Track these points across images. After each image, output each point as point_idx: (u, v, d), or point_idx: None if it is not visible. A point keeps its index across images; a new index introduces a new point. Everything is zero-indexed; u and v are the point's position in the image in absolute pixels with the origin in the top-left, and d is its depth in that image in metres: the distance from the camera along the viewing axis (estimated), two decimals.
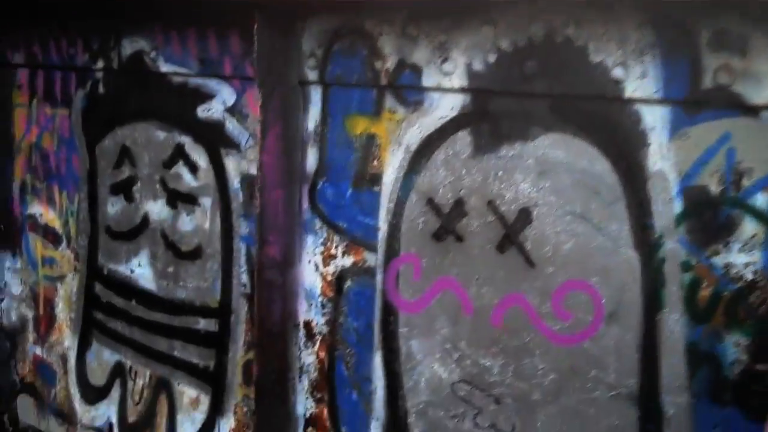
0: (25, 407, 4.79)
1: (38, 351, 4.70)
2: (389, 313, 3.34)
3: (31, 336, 4.74)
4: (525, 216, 2.97)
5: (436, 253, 3.19)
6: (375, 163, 3.33)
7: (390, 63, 3.24)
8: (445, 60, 3.11)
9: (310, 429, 3.61)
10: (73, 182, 4.45)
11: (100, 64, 4.25)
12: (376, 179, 3.33)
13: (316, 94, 3.47)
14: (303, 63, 3.47)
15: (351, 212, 3.41)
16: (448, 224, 3.15)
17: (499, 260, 3.04)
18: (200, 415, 3.99)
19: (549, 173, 2.92)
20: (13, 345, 4.83)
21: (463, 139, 3.10)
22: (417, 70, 3.18)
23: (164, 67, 3.98)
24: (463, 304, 3.14)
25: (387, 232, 3.32)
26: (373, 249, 3.37)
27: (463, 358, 3.16)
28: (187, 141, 3.94)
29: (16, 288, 4.79)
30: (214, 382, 3.94)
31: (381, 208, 3.33)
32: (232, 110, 3.76)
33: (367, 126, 3.34)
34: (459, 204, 3.12)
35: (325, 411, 3.56)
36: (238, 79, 3.73)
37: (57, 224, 4.54)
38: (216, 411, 3.93)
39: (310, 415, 3.60)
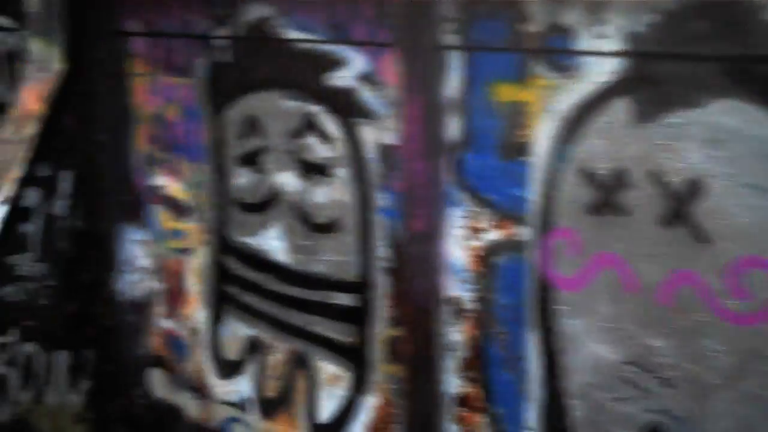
0: (157, 381, 4.75)
1: (169, 324, 4.65)
2: (544, 289, 3.17)
3: (160, 309, 4.69)
4: (695, 188, 2.76)
5: (594, 227, 3.01)
6: (523, 132, 3.14)
7: (538, 26, 3.04)
8: (600, 21, 2.89)
9: (460, 408, 3.48)
10: (199, 153, 4.34)
11: (224, 31, 4.11)
12: (525, 149, 3.14)
13: (456, 60, 3.28)
14: (443, 27, 3.28)
15: (498, 184, 3.24)
16: (607, 197, 2.96)
17: (665, 235, 2.84)
18: (341, 392, 3.89)
19: (721, 142, 2.70)
20: (141, 318, 4.79)
21: (622, 107, 2.89)
22: (568, 33, 2.97)
23: (291, 34, 3.82)
24: (626, 281, 2.96)
25: (540, 204, 3.14)
26: (523, 222, 3.19)
27: (628, 338, 2.98)
28: (317, 110, 3.79)
29: (142, 261, 4.73)
30: (354, 358, 3.83)
31: (532, 180, 3.14)
32: (365, 78, 3.60)
33: (513, 93, 3.15)
34: (619, 175, 2.92)
35: (477, 391, 3.42)
36: (372, 45, 3.56)
37: (183, 196, 4.45)
38: (357, 388, 3.83)
39: (461, 394, 3.47)
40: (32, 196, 4.59)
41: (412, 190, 3.42)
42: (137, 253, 4.74)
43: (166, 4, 4.34)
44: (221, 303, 4.36)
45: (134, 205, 4.70)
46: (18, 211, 4.53)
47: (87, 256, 4.81)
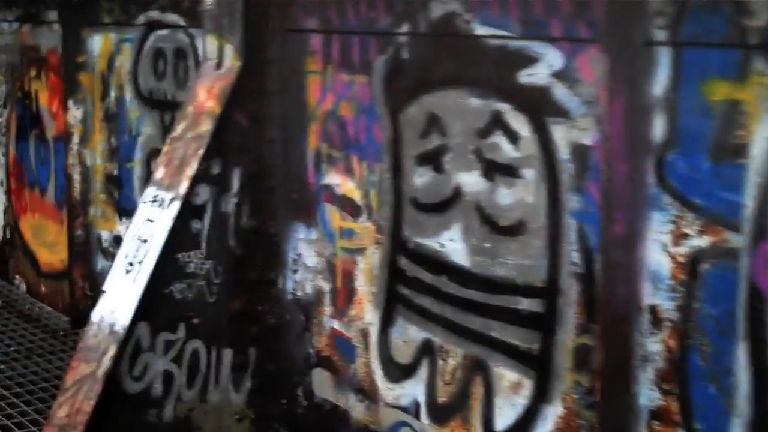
0: (321, 381, 4.70)
1: (336, 324, 4.59)
2: (757, 299, 2.99)
3: (327, 309, 4.63)
4: None
5: None
6: (740, 132, 2.96)
7: (762, 20, 2.86)
8: None
9: (655, 422, 3.31)
10: (373, 152, 4.27)
11: (404, 27, 4.04)
12: (742, 150, 2.96)
13: (664, 56, 3.13)
14: (650, 22, 3.13)
15: (709, 187, 3.07)
16: None
17: None
18: (522, 400, 3.76)
19: None
20: (307, 317, 4.74)
21: None
22: None
23: (480, 30, 3.72)
24: None
25: (756, 210, 2.96)
26: (737, 229, 3.01)
27: None
28: (506, 108, 3.68)
29: (311, 260, 4.68)
30: (538, 365, 3.69)
31: (748, 183, 2.96)
32: (560, 75, 3.47)
33: (730, 91, 2.98)
34: None
35: (675, 404, 3.25)
36: (568, 41, 3.43)
37: (356, 195, 4.38)
38: (541, 397, 3.69)
39: (656, 407, 3.31)
40: (204, 193, 4.58)
41: (611, 193, 3.28)
42: (306, 252, 4.70)
43: (344, 1, 4.28)
44: (393, 304, 4.28)
45: (304, 203, 4.66)
46: (190, 208, 4.53)
47: (254, 254, 4.78)
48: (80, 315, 6.38)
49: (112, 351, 4.29)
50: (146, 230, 4.52)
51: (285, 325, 4.83)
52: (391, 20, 4.08)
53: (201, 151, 4.49)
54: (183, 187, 4.47)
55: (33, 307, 6.98)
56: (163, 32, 5.52)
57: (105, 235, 6.24)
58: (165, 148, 4.67)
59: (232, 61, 4.60)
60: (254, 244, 4.79)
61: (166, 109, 5.57)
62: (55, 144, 6.80)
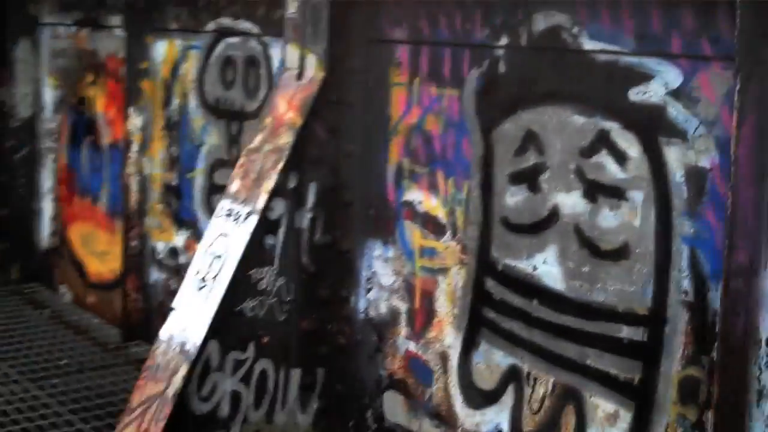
0: (393, 405, 4.53)
1: (412, 347, 4.42)
2: None
3: (403, 330, 4.47)
4: None
5: None
6: None
7: None
8: None
9: None
10: (461, 168, 4.12)
11: (503, 40, 3.89)
12: None
13: None
14: None
15: None
16: None
17: None
18: None
19: None
20: (380, 338, 4.58)
21: None
22: None
23: (588, 44, 3.58)
24: None
25: None
26: None
27: None
28: (613, 127, 3.53)
29: (387, 278, 4.52)
30: (638, 396, 3.52)
31: None
32: (676, 93, 3.32)
33: None
34: None
35: None
36: (688, 58, 3.28)
37: (440, 213, 4.23)
38: (640, 429, 3.52)
39: None
40: (279, 208, 4.44)
41: (735, 219, 3.11)
42: (381, 270, 4.54)
43: (436, 12, 4.14)
44: (477, 328, 4.12)
45: (382, 219, 4.51)
46: (266, 223, 4.39)
47: (327, 272, 4.63)
48: (133, 328, 6.25)
49: (183, 370, 4.14)
50: (220, 245, 4.38)
51: (356, 345, 4.67)
52: (488, 32, 3.94)
53: (280, 165, 4.36)
54: (261, 201, 4.33)
55: (81, 317, 6.83)
56: (234, 40, 5.39)
57: (160, 246, 6.10)
58: (241, 160, 4.53)
59: (315, 71, 4.46)
60: (327, 261, 4.64)
61: (233, 118, 5.44)
62: (110, 151, 6.67)
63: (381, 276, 4.55)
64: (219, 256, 4.35)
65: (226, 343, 4.34)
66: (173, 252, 5.98)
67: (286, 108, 4.48)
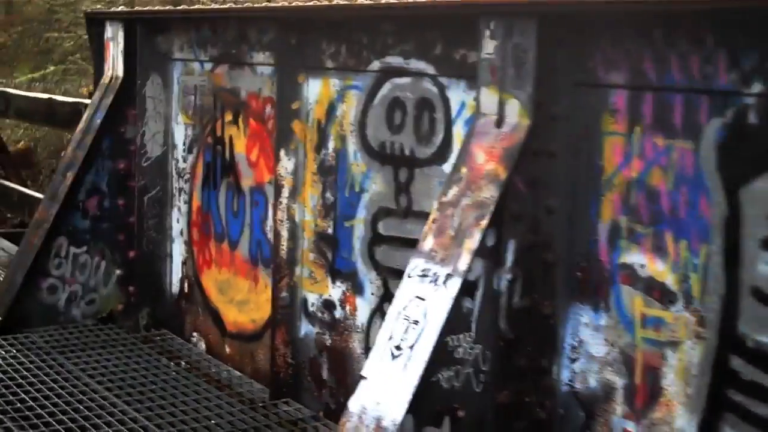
0: None
1: (630, 427, 3.94)
2: None
3: (618, 408, 3.98)
4: None
5: None
6: None
7: None
8: None
9: None
10: (697, 230, 3.64)
11: (755, 87, 3.40)
12: None
13: None
14: None
15: None
16: None
17: None
18: None
19: None
20: (588, 414, 4.10)
21: None
22: None
23: None
24: None
25: None
26: None
27: None
28: None
29: (597, 348, 4.05)
30: None
31: None
32: None
33: None
34: None
35: None
36: None
37: (669, 279, 3.75)
38: None
39: None
40: (476, 268, 4.00)
41: None
42: (590, 339, 4.07)
43: (668, 55, 3.67)
44: (718, 411, 3.62)
45: (592, 282, 4.04)
46: (465, 285, 3.95)
47: (525, 338, 4.18)
48: (281, 384, 5.85)
49: None
50: (416, 309, 3.96)
51: (558, 420, 4.21)
52: (735, 77, 3.46)
53: (484, 222, 3.92)
54: (462, 262, 3.90)
55: (220, 370, 6.45)
56: (403, 80, 4.96)
57: (312, 298, 5.69)
58: (433, 215, 4.11)
59: (518, 118, 4.02)
60: (526, 326, 4.19)
61: (401, 164, 5.00)
62: (252, 195, 6.29)
63: (590, 345, 4.08)
64: (416, 322, 3.93)
65: (421, 417, 3.93)
66: (328, 305, 5.58)
67: (486, 159, 4.04)
